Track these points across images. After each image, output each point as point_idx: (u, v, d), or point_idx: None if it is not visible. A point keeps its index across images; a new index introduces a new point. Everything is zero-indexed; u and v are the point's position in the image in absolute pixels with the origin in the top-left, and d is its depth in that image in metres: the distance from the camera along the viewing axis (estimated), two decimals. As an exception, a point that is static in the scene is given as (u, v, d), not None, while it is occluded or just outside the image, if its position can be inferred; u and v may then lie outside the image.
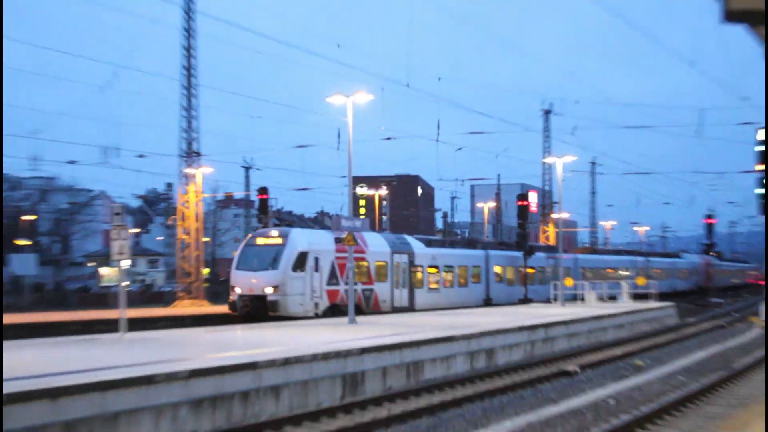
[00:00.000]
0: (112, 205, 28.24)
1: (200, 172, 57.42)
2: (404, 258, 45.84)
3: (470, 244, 59.84)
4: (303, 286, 38.58)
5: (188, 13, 54.76)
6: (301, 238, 40.55)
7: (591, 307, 48.46)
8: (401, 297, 45.16)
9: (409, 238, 49.75)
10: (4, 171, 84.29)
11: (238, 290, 38.83)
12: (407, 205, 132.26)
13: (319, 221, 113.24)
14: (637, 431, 15.82)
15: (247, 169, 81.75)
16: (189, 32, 54.88)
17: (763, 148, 42.10)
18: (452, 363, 25.32)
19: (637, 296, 57.44)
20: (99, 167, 56.90)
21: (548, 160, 73.67)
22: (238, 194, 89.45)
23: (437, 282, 49.31)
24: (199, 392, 16.58)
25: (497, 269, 57.21)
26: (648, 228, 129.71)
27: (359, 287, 41.11)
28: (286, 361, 18.90)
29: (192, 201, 56.85)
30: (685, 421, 17.23)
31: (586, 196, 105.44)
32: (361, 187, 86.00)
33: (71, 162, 67.51)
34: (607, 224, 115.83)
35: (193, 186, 56.91)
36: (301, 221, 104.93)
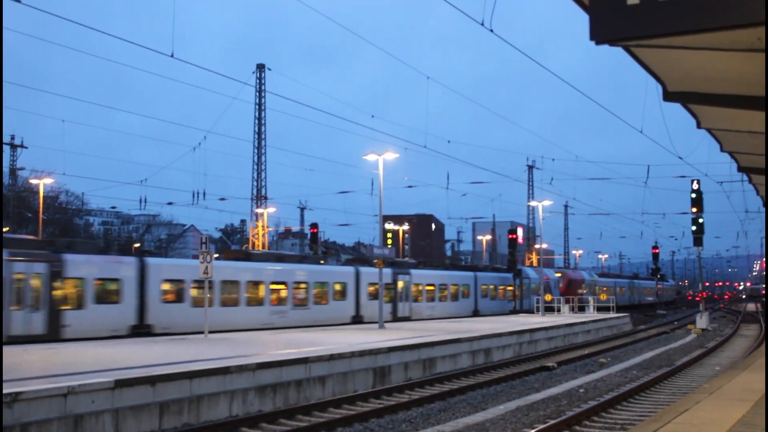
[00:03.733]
0: (200, 236, 28.22)
1: (266, 212, 57.61)
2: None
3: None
4: None
5: (259, 92, 55.16)
6: None
7: (565, 316, 48.01)
8: None
9: None
10: (120, 209, 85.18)
11: None
12: (424, 237, 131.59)
13: (356, 249, 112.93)
14: (602, 414, 15.58)
15: (302, 209, 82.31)
16: (260, 106, 55.21)
17: (695, 195, 41.56)
18: (458, 359, 25.10)
19: (600, 308, 56.82)
20: (190, 207, 57.28)
21: (532, 203, 73.82)
22: (295, 228, 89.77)
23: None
24: (264, 380, 16.51)
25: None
26: (607, 255, 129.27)
27: None
28: (331, 357, 18.80)
29: (260, 233, 56.89)
30: (639, 405, 16.97)
31: (561, 231, 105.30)
32: (389, 223, 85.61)
33: (170, 203, 68.10)
34: (577, 253, 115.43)
35: (261, 222, 57.01)
36: (342, 250, 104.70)
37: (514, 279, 59.13)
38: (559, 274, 68.89)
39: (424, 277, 46.12)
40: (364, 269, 40.22)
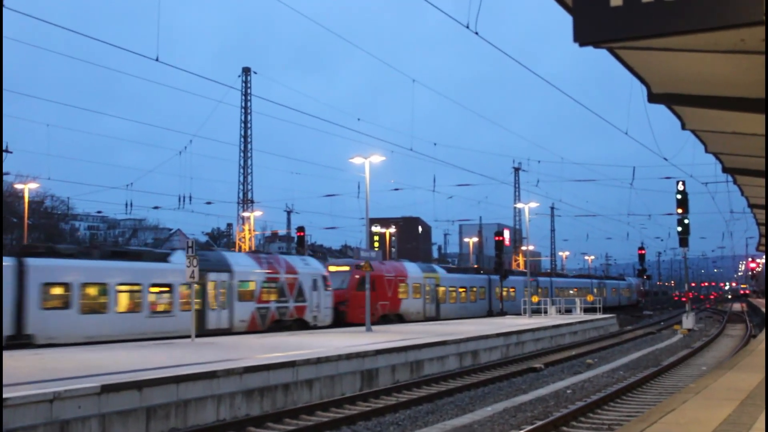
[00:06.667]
0: (186, 240, 28.14)
1: (253, 215, 57.56)
2: None
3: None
4: None
5: (245, 95, 55.11)
6: None
7: (552, 317, 48.09)
8: None
9: None
10: (106, 214, 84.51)
11: None
12: (410, 240, 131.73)
13: (344, 252, 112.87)
14: (589, 415, 15.62)
15: (289, 212, 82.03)
16: (246, 110, 55.16)
17: (680, 197, 41.82)
18: (446, 361, 25.10)
19: (587, 309, 56.84)
20: (177, 211, 57.10)
21: (518, 205, 74.19)
22: (282, 232, 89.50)
23: None
24: (251, 384, 16.47)
25: None
26: (594, 257, 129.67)
27: None
28: (318, 360, 18.77)
29: (246, 237, 56.79)
30: (626, 406, 17.03)
31: (547, 233, 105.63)
32: (376, 226, 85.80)
33: (156, 207, 67.62)
34: (563, 254, 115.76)
35: (247, 226, 56.93)
36: (329, 253, 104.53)
37: (501, 281, 58.32)
38: (344, 268, 42.87)
39: None
40: None
